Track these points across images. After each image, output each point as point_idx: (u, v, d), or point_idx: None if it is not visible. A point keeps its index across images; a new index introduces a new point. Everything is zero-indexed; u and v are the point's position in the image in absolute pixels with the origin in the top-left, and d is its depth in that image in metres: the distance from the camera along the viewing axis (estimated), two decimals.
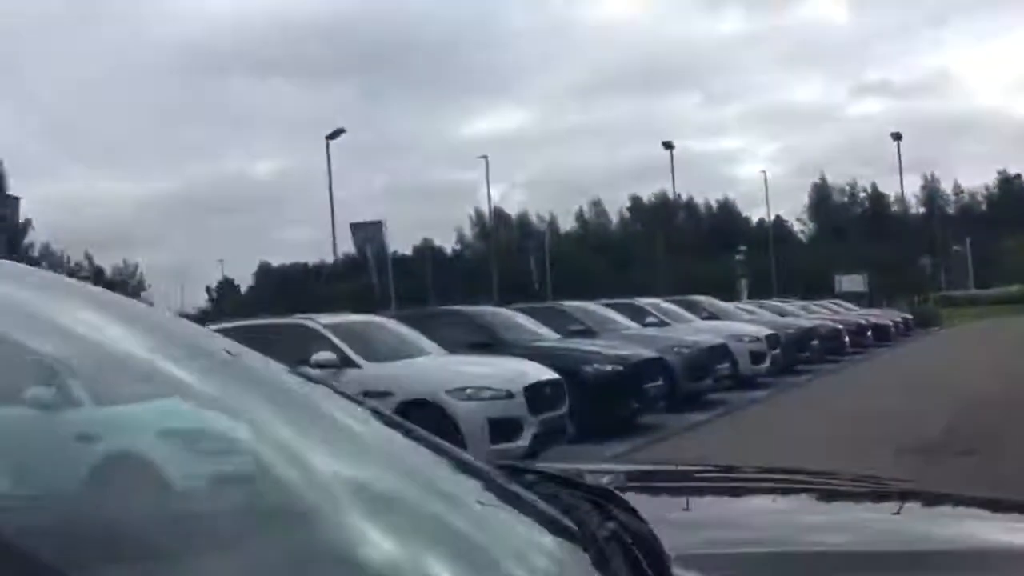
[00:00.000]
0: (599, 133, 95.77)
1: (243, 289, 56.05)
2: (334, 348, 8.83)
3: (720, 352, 14.42)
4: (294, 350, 8.87)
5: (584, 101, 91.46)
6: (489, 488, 1.28)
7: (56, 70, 73.99)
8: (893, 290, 44.89)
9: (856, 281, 47.26)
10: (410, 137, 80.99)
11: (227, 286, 56.57)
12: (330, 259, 28.33)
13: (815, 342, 20.17)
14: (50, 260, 50.35)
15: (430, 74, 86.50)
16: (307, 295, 30.87)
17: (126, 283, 50.49)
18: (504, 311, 13.15)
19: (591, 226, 63.86)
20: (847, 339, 22.92)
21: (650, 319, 15.71)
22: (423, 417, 8.33)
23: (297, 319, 9.73)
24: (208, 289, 56.91)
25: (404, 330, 10.18)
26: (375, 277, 22.64)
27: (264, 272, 55.44)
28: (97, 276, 50.44)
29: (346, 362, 8.76)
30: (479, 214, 56.73)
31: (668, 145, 52.74)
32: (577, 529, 1.20)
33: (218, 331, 7.87)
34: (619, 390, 10.82)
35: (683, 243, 54.80)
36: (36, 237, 45.75)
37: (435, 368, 8.95)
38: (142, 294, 50.53)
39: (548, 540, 1.16)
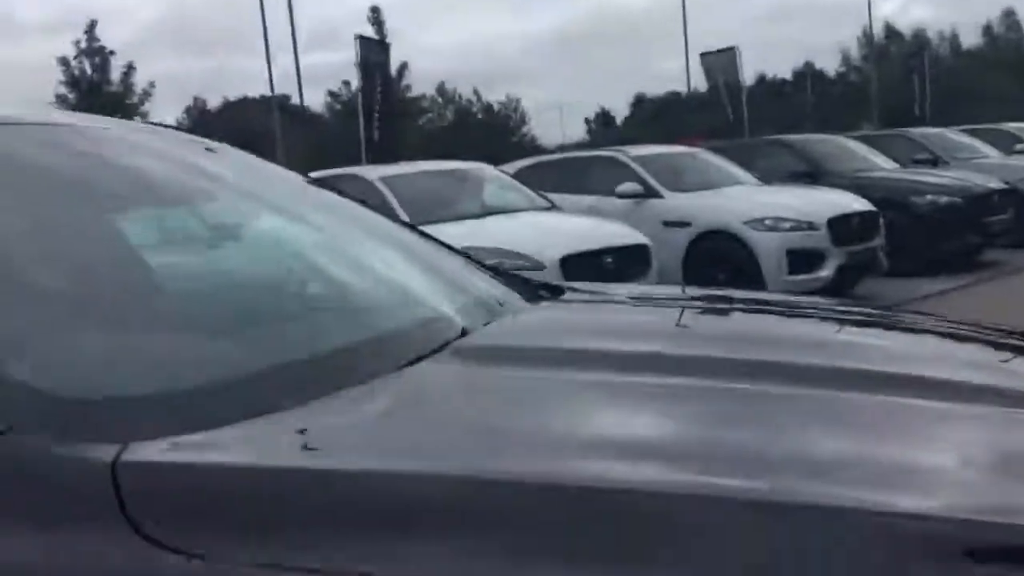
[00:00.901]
0: None
1: (619, 120, 57.04)
2: (639, 179, 9.14)
3: None
4: (604, 180, 9.36)
5: None
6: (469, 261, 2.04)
7: None
8: None
9: None
10: None
11: (604, 117, 57.89)
12: (704, 88, 28.17)
13: None
14: (445, 97, 54.55)
15: None
16: (677, 125, 30.93)
17: (509, 117, 53.28)
18: (836, 139, 12.51)
19: (1001, 42, 56.43)
20: None
21: (1020, 147, 14.14)
22: (720, 247, 8.51)
23: (607, 151, 10.10)
24: (587, 120, 58.66)
25: (719, 161, 10.19)
26: (729, 106, 22.20)
27: (638, 103, 55.88)
28: (487, 111, 53.86)
29: (650, 192, 9.04)
30: (866, 33, 52.26)
31: None
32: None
33: (543, 163, 8.69)
34: (953, 224, 10.12)
35: None
36: (429, 76, 49.59)
37: (736, 198, 8.95)
38: (524, 128, 53.22)
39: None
